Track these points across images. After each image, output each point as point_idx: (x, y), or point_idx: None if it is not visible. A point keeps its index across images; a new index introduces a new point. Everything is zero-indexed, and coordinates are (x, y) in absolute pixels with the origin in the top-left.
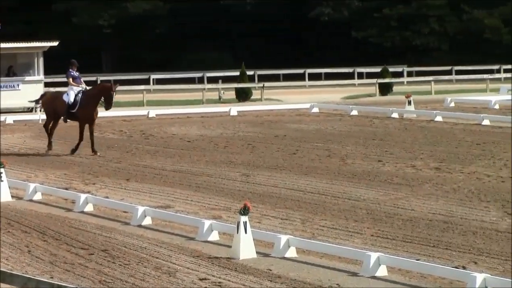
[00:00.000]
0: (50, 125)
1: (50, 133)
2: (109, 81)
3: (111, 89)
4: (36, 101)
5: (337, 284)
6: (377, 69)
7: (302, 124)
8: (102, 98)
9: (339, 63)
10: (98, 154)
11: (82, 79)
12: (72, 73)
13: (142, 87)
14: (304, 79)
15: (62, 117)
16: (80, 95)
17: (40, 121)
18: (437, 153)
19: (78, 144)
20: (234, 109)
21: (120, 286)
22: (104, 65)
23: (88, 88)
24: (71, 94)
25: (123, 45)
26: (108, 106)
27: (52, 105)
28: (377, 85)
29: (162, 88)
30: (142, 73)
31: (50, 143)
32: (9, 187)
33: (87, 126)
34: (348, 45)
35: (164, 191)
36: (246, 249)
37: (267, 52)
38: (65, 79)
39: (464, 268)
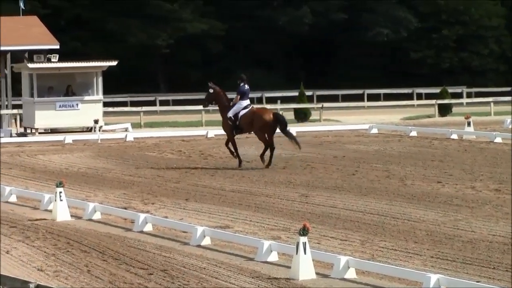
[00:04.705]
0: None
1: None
2: (167, 101)
3: None
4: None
5: None
6: (436, 90)
7: (361, 145)
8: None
9: (398, 84)
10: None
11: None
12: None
13: (200, 107)
14: (363, 100)
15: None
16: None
17: (99, 141)
18: (496, 174)
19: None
20: (293, 130)
21: None
22: (161, 85)
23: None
24: None
25: (180, 64)
26: None
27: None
28: (436, 106)
29: None
30: (200, 93)
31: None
32: (68, 207)
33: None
34: (406, 66)
35: (223, 211)
36: (305, 270)
37: (324, 73)
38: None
39: None
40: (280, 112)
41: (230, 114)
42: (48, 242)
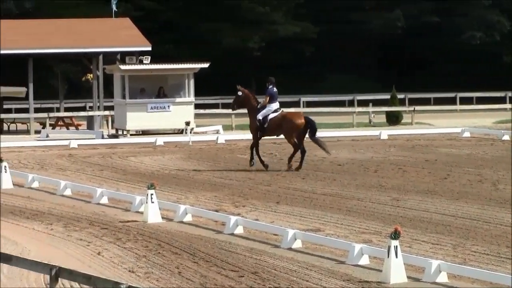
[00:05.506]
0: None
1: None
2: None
3: None
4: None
5: None
6: None
7: (453, 149)
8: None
9: (491, 87)
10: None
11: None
12: None
13: (292, 109)
14: (455, 103)
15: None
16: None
17: (191, 143)
18: None
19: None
20: (385, 133)
21: None
22: (254, 87)
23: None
24: None
25: (271, 67)
26: None
27: None
28: None
29: (312, 111)
30: (292, 95)
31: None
32: (159, 209)
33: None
34: (499, 69)
35: (314, 214)
36: (396, 274)
37: (416, 75)
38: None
39: None
40: (372, 116)
41: (260, 116)
42: (139, 244)
